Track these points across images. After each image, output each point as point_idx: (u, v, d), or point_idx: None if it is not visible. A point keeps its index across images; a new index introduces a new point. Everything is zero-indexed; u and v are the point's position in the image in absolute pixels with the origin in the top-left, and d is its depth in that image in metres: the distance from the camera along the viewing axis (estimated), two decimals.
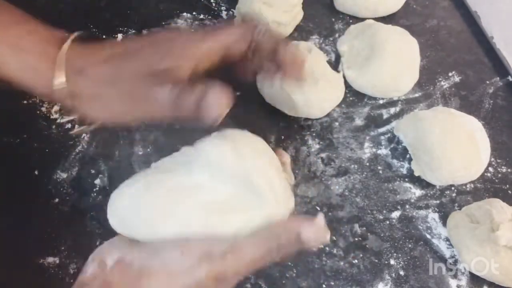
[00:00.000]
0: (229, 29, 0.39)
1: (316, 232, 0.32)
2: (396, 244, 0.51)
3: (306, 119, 0.59)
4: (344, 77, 0.62)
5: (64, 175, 0.53)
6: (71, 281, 0.47)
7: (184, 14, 0.69)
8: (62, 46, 0.39)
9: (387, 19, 0.68)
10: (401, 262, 0.50)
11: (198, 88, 0.35)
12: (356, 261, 0.50)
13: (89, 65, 0.38)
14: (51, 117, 0.57)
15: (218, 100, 0.35)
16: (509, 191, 0.56)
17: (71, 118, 0.41)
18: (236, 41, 0.39)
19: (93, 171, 0.54)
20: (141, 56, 0.38)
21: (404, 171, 0.57)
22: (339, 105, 0.61)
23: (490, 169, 0.57)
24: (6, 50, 0.38)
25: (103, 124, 0.40)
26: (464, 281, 0.50)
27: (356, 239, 0.51)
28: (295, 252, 0.33)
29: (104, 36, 0.65)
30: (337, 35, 0.68)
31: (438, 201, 0.55)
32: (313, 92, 0.57)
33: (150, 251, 0.32)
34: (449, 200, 0.55)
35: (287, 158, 0.40)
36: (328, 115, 0.60)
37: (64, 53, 0.38)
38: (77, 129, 0.42)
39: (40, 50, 0.39)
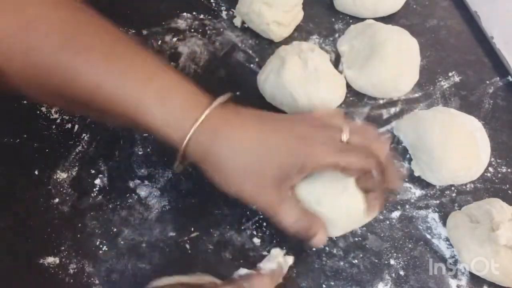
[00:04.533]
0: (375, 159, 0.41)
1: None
2: (396, 244, 0.51)
3: None
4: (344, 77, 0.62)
5: (64, 175, 0.53)
6: (71, 281, 0.47)
7: (184, 14, 0.69)
8: (209, 106, 0.39)
9: (387, 19, 0.68)
10: (401, 262, 0.50)
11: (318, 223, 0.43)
12: (356, 261, 0.50)
13: (227, 128, 0.39)
14: (51, 117, 0.57)
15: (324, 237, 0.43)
16: (509, 191, 0.56)
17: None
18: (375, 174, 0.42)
19: (93, 171, 0.54)
20: (282, 153, 0.39)
21: (404, 171, 0.57)
22: (339, 105, 0.61)
23: (490, 169, 0.57)
24: (154, 98, 0.38)
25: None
26: (464, 281, 0.49)
27: (356, 239, 0.51)
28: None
29: None
30: (337, 35, 0.68)
31: (438, 201, 0.55)
32: (315, 92, 0.57)
33: None
34: (449, 200, 0.55)
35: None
36: None
37: (208, 111, 0.38)
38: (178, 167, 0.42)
39: (184, 103, 0.39)
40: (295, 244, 0.51)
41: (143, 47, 0.41)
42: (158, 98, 0.38)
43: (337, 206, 0.47)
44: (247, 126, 0.40)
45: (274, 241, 0.51)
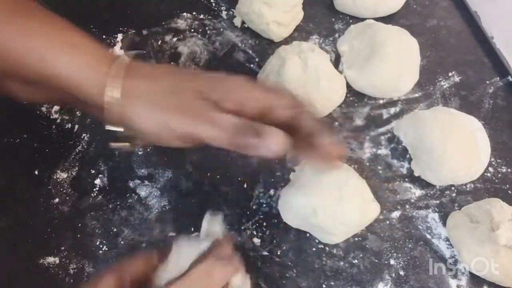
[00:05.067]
0: (281, 94, 0.40)
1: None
2: (396, 244, 0.51)
3: None
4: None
5: (64, 175, 0.53)
6: (71, 281, 0.47)
7: (184, 14, 0.69)
8: (121, 56, 0.39)
9: (387, 19, 0.68)
10: (401, 262, 0.50)
11: (259, 125, 0.37)
12: (356, 261, 0.50)
13: (147, 75, 0.39)
14: (51, 117, 0.57)
15: (279, 138, 0.37)
16: (509, 191, 0.56)
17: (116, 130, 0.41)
18: (283, 106, 0.39)
19: (93, 171, 0.54)
20: (197, 81, 0.39)
21: (404, 171, 0.57)
22: (339, 105, 0.61)
23: (490, 169, 0.57)
24: (60, 48, 0.38)
25: (146, 144, 0.40)
26: (464, 281, 0.50)
27: (356, 239, 0.51)
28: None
29: (104, 36, 0.65)
30: (337, 35, 0.68)
31: (438, 201, 0.55)
32: (315, 92, 0.57)
33: None
34: (449, 200, 0.55)
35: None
36: (328, 115, 0.60)
37: (123, 61, 0.39)
38: (117, 144, 0.41)
39: (95, 51, 0.39)
40: (295, 244, 0.51)
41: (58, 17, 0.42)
42: (68, 47, 0.38)
43: (334, 216, 0.47)
44: (156, 70, 0.41)
45: (274, 241, 0.51)
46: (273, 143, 0.36)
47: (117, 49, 0.64)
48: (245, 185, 0.54)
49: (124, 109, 0.37)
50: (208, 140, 0.37)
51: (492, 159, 0.57)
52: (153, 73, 0.39)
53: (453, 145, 0.53)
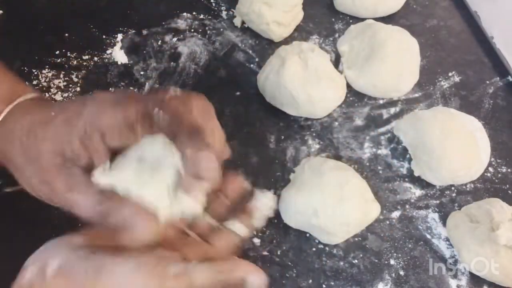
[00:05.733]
0: (132, 107, 0.34)
1: (260, 281, 0.33)
2: (396, 244, 0.51)
3: (306, 119, 0.59)
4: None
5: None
6: None
7: (184, 14, 0.69)
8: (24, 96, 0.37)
9: (387, 19, 0.68)
10: (401, 262, 0.50)
11: (127, 209, 0.32)
12: (356, 261, 0.50)
13: (19, 130, 0.36)
14: None
15: (147, 227, 0.32)
16: (509, 191, 0.56)
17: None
18: (138, 114, 0.34)
19: None
20: (52, 133, 0.35)
21: (404, 171, 0.57)
22: (339, 105, 0.61)
23: (490, 169, 0.57)
24: None
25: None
26: (464, 281, 0.49)
27: (356, 239, 0.51)
28: None
29: (104, 36, 0.65)
30: (337, 35, 0.68)
31: (438, 201, 0.55)
32: (315, 92, 0.57)
33: (98, 263, 0.29)
34: (449, 200, 0.55)
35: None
36: (328, 115, 0.60)
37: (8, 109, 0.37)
38: (14, 188, 0.41)
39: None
40: (295, 244, 0.51)
41: None
42: None
43: (335, 216, 0.48)
44: (32, 115, 0.37)
45: (274, 241, 0.51)
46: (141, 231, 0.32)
47: (117, 49, 0.64)
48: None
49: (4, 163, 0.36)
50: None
51: (492, 159, 0.57)
52: (27, 125, 0.36)
53: (453, 145, 0.53)
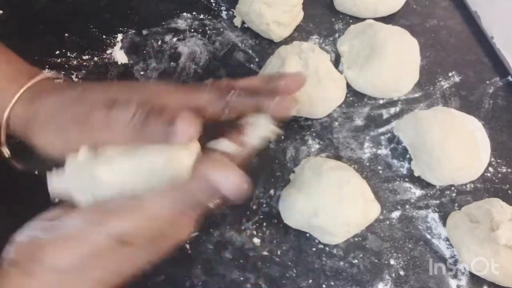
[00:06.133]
0: (201, 92, 0.36)
1: (229, 179, 0.30)
2: (396, 244, 0.51)
3: (306, 119, 0.59)
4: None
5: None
6: None
7: (184, 14, 0.69)
8: (30, 81, 0.38)
9: (387, 19, 0.68)
10: (401, 262, 0.50)
11: (166, 113, 0.32)
12: (356, 261, 0.50)
13: (46, 93, 0.37)
14: None
15: (187, 126, 0.31)
16: (509, 191, 0.56)
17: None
18: (207, 104, 0.35)
19: None
20: (108, 92, 0.36)
21: (404, 171, 0.57)
22: (339, 105, 0.61)
23: (490, 169, 0.57)
24: None
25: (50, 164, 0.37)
26: (464, 281, 0.50)
27: (356, 239, 0.51)
28: (218, 205, 0.31)
29: (104, 36, 0.65)
30: (337, 35, 0.68)
31: (438, 201, 0.55)
32: (316, 92, 0.57)
33: (53, 223, 0.31)
34: (449, 200, 0.55)
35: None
36: (328, 115, 0.60)
37: (27, 87, 0.38)
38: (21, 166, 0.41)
39: (9, 77, 0.38)
40: (295, 244, 0.51)
41: None
42: None
43: (335, 216, 0.48)
44: (62, 93, 0.38)
45: (274, 241, 0.51)
46: (184, 130, 0.31)
47: (117, 49, 0.64)
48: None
49: (26, 132, 0.37)
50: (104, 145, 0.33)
51: (492, 159, 0.57)
52: (54, 89, 0.38)
53: (453, 145, 0.53)
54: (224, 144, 0.33)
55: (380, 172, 0.56)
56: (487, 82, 0.65)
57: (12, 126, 0.38)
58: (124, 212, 0.30)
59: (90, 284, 0.31)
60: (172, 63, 0.64)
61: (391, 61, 0.59)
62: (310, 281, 0.49)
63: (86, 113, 0.34)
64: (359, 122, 0.60)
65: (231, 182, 0.30)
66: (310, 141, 0.58)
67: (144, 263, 0.32)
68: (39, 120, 0.36)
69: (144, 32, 0.66)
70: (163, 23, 0.68)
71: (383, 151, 0.58)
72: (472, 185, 0.56)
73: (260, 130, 0.35)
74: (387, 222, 0.53)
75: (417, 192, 0.55)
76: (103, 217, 0.30)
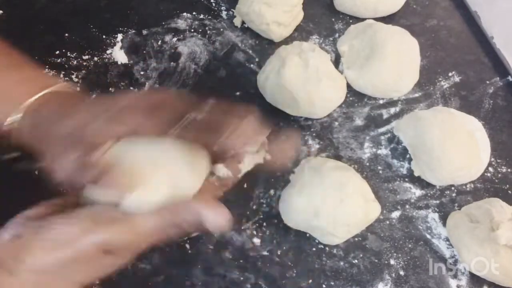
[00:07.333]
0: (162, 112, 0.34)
1: (217, 218, 0.32)
2: (396, 244, 0.51)
3: (306, 119, 0.59)
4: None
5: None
6: None
7: (184, 14, 0.69)
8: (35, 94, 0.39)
9: (387, 19, 0.68)
10: (401, 262, 0.50)
11: (99, 166, 0.32)
12: (356, 261, 0.50)
13: (47, 116, 0.38)
14: None
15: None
16: (509, 191, 0.56)
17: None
18: (170, 122, 0.34)
19: None
20: (74, 117, 0.36)
21: (404, 171, 0.57)
22: (339, 105, 0.61)
23: (490, 169, 0.57)
24: None
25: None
26: (464, 281, 0.50)
27: (356, 239, 0.51)
28: (195, 231, 0.33)
29: (104, 36, 0.65)
30: (337, 35, 0.68)
31: (438, 201, 0.55)
32: (316, 92, 0.57)
33: (40, 224, 0.31)
34: (449, 200, 0.55)
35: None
36: (328, 115, 0.60)
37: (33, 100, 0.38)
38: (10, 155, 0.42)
39: (20, 92, 0.39)
40: (295, 244, 0.51)
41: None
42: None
43: (336, 217, 0.47)
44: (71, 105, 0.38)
45: (274, 241, 0.51)
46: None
47: (117, 49, 0.64)
48: (245, 185, 0.54)
49: (29, 140, 0.38)
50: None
51: (492, 159, 0.57)
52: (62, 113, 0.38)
53: (453, 145, 0.53)
54: (221, 170, 0.36)
55: (380, 172, 0.56)
56: (487, 82, 0.65)
57: (17, 132, 0.39)
58: (113, 224, 0.31)
59: (67, 285, 0.32)
60: (172, 63, 0.64)
61: (391, 61, 0.59)
62: (310, 281, 0.49)
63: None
64: (359, 122, 0.60)
65: (219, 222, 0.32)
66: (310, 141, 0.58)
67: (118, 268, 0.33)
68: (48, 140, 0.37)
69: (144, 32, 0.66)
70: (163, 23, 0.68)
71: (383, 151, 0.58)
72: (472, 185, 0.56)
73: (255, 158, 0.37)
74: (387, 222, 0.53)
75: (417, 192, 0.55)
76: (94, 225, 0.31)
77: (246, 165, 0.36)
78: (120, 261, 0.33)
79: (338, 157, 0.57)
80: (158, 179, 0.32)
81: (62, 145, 0.35)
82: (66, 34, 0.65)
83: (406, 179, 0.56)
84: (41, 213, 0.34)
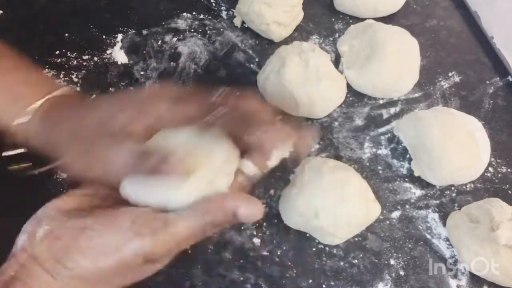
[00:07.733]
0: (189, 104, 0.35)
1: (252, 210, 0.32)
2: (396, 244, 0.51)
3: (306, 119, 0.59)
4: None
5: (64, 175, 0.53)
6: None
7: (184, 14, 0.69)
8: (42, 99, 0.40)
9: (387, 19, 0.68)
10: (401, 262, 0.50)
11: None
12: (356, 261, 0.50)
13: (58, 117, 0.38)
14: None
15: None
16: (509, 191, 0.56)
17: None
18: (194, 115, 0.35)
19: None
20: (97, 113, 0.36)
21: (404, 171, 0.57)
22: (339, 105, 0.61)
23: (490, 169, 0.57)
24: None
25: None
26: (464, 281, 0.50)
27: (356, 239, 0.51)
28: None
29: (104, 36, 0.65)
30: (337, 35, 0.68)
31: (438, 201, 0.55)
32: (316, 92, 0.57)
33: (80, 226, 0.31)
34: (449, 200, 0.55)
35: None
36: (328, 115, 0.60)
37: (40, 103, 0.39)
38: (18, 167, 0.43)
39: (27, 94, 0.40)
40: (295, 244, 0.51)
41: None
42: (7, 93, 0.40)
43: (336, 217, 0.47)
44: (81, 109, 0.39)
45: (274, 241, 0.51)
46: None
47: (117, 49, 0.64)
48: None
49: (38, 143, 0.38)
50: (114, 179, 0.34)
51: (492, 159, 0.57)
52: (64, 115, 0.39)
53: (453, 145, 0.53)
54: (247, 167, 0.35)
55: (380, 172, 0.56)
56: (487, 82, 0.65)
57: (24, 134, 0.40)
58: (155, 234, 0.30)
59: None
60: (172, 63, 0.64)
61: (391, 61, 0.60)
62: (310, 281, 0.49)
63: (87, 149, 0.35)
64: (359, 122, 0.60)
65: (254, 214, 0.33)
66: (310, 141, 0.58)
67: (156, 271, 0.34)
68: (67, 138, 0.37)
69: (144, 32, 0.66)
70: (163, 23, 0.68)
71: (383, 151, 0.58)
72: (472, 185, 0.56)
73: (282, 153, 0.36)
74: (387, 222, 0.53)
75: (417, 192, 0.55)
76: (135, 236, 0.30)
77: (273, 161, 0.35)
78: (159, 266, 0.33)
79: (338, 157, 0.57)
80: (201, 172, 0.32)
81: (88, 140, 0.35)
82: (66, 34, 0.65)
83: (406, 179, 0.56)
84: (73, 205, 0.33)
